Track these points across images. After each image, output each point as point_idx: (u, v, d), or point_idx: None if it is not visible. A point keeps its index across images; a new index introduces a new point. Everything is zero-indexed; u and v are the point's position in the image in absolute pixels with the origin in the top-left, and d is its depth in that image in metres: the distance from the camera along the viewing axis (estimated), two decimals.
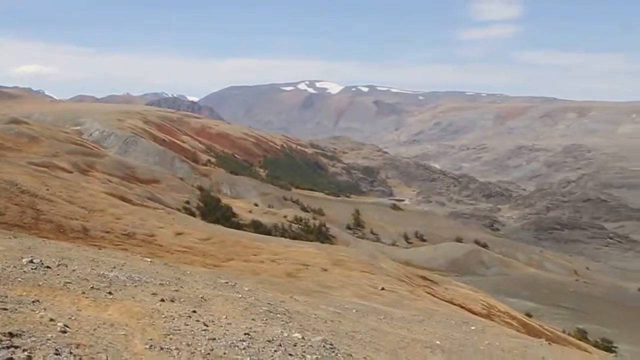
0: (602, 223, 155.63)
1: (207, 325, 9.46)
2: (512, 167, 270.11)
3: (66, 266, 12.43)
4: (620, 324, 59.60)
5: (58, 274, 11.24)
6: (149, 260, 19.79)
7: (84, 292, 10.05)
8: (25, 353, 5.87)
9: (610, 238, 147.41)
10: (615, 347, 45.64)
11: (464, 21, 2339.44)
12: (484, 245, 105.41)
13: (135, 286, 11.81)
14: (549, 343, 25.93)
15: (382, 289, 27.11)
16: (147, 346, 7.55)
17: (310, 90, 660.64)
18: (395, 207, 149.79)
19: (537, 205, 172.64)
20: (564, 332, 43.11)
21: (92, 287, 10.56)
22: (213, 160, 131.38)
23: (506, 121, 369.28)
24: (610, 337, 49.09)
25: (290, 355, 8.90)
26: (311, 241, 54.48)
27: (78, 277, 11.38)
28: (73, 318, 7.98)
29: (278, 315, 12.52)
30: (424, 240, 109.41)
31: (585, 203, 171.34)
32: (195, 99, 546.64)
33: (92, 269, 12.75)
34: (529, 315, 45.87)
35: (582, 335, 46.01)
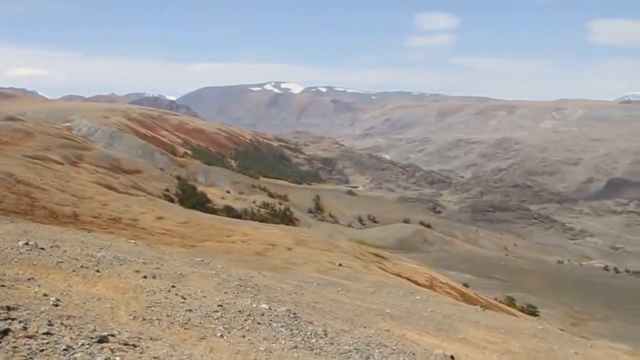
0: (527, 205, 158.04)
1: (184, 298, 9.41)
2: (451, 158, 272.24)
3: (58, 247, 12.30)
4: (542, 291, 60.62)
5: (51, 255, 11.13)
6: (132, 241, 19.63)
7: (74, 271, 9.96)
8: (21, 324, 5.80)
9: (535, 218, 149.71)
10: (538, 312, 46.45)
11: (410, 30, 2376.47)
12: (428, 226, 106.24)
13: (121, 265, 11.71)
14: (483, 309, 26.21)
15: (340, 264, 27.18)
16: (131, 317, 7.51)
17: (276, 90, 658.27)
18: (350, 193, 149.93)
19: (473, 190, 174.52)
20: (495, 299, 43.69)
21: (81, 266, 10.46)
22: (189, 152, 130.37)
23: (446, 118, 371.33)
24: (534, 303, 49.89)
25: (259, 323, 8.89)
26: (277, 224, 54.40)
27: (69, 257, 11.27)
28: (64, 293, 7.91)
29: (248, 289, 12.49)
30: (376, 222, 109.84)
31: (513, 188, 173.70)
32: (174, 98, 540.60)
33: (82, 250, 12.61)
34: (466, 285, 46.34)
35: (511, 302, 46.67)
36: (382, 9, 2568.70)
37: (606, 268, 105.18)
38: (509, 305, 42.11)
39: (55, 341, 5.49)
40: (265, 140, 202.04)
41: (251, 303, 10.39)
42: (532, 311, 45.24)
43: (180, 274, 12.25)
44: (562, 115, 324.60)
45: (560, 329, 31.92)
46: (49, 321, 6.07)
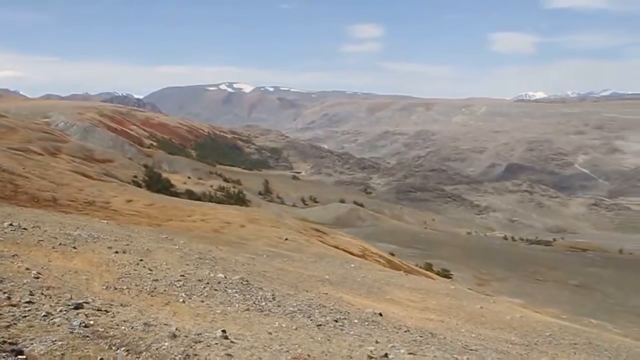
0: (442, 187, 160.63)
1: (151, 270, 9.27)
2: (380, 147, 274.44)
3: (39, 228, 11.96)
4: (454, 258, 61.78)
5: (33, 234, 10.84)
6: (105, 222, 19.21)
7: (53, 247, 9.71)
8: (6, 294, 5.63)
9: (448, 197, 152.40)
10: (451, 275, 47.43)
11: (344, 39, 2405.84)
12: (361, 205, 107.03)
13: (95, 242, 11.45)
14: (406, 274, 26.62)
15: (286, 239, 27.13)
16: (104, 287, 7.36)
17: (229, 89, 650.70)
18: (294, 178, 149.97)
19: (397, 174, 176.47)
20: (416, 265, 44.35)
21: (60, 244, 10.21)
22: (155, 144, 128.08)
23: (375, 113, 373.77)
24: (448, 268, 50.90)
25: (216, 290, 8.83)
26: (232, 205, 54.01)
27: (49, 236, 10.98)
28: (45, 267, 7.71)
29: (206, 261, 12.39)
30: (317, 202, 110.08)
31: (431, 172, 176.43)
32: (140, 97, 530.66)
33: (60, 230, 12.28)
34: (392, 254, 46.85)
35: (429, 267, 47.39)
36: (320, 21, 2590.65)
37: (505, 237, 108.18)
38: (427, 270, 42.76)
39: (36, 309, 5.35)
40: (221, 133, 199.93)
41: (209, 273, 10.31)
42: (446, 274, 46.13)
43: (147, 249, 12.06)
44: (470, 111, 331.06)
45: (469, 289, 32.69)
46: (31, 291, 5.92)
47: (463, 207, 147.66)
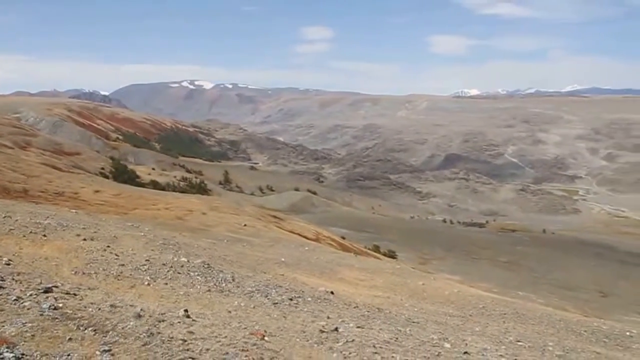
0: (388, 175, 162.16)
1: (117, 256, 9.09)
2: (331, 139, 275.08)
3: (10, 217, 11.58)
4: (399, 240, 62.69)
5: (4, 223, 10.49)
6: (74, 211, 18.72)
7: (24, 236, 9.43)
8: None
9: (394, 185, 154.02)
10: (397, 255, 48.06)
11: (297, 40, 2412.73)
12: (314, 193, 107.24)
13: (64, 230, 11.15)
14: (356, 255, 26.89)
15: (245, 225, 26.99)
16: (73, 272, 7.19)
17: (191, 87, 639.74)
18: (252, 168, 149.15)
19: (347, 164, 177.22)
20: (365, 247, 44.78)
21: (30, 232, 9.91)
22: (120, 137, 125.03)
23: (326, 108, 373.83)
24: (394, 249, 51.59)
25: (179, 273, 8.74)
26: (194, 194, 53.34)
27: (20, 224, 10.64)
28: (16, 254, 7.48)
29: (170, 247, 12.23)
30: (273, 190, 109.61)
31: (378, 162, 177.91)
32: (106, 93, 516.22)
33: (31, 219, 11.90)
34: (343, 238, 47.12)
35: (376, 249, 47.88)
36: (277, 23, 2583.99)
37: (444, 221, 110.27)
38: (375, 252, 43.22)
39: (7, 293, 5.20)
40: (183, 127, 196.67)
41: (173, 257, 10.18)
42: (392, 255, 46.69)
43: (114, 236, 11.82)
44: (413, 106, 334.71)
45: (413, 267, 33.25)
46: (2, 277, 5.74)
47: (407, 193, 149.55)
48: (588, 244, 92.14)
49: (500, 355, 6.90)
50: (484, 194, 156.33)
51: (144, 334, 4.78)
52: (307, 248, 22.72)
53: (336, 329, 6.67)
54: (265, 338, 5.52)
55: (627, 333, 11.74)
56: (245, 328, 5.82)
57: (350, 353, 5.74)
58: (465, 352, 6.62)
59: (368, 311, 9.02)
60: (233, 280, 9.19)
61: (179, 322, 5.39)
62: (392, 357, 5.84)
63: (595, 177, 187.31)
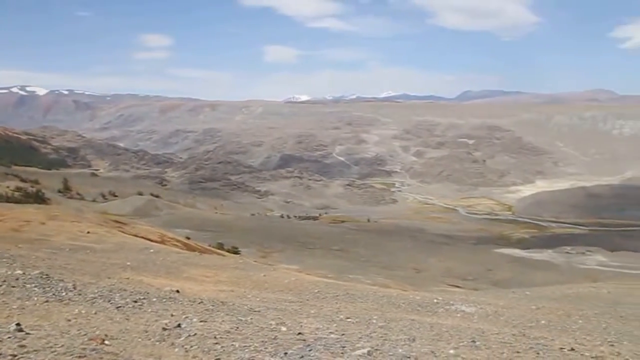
0: (229, 176, 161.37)
1: None
2: (172, 144, 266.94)
3: None
4: (242, 236, 62.65)
5: None
6: None
7: None
8: None
9: (234, 185, 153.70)
10: (240, 251, 48.04)
11: (136, 47, 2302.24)
12: (157, 196, 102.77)
13: None
14: (201, 254, 26.38)
15: (88, 232, 25.07)
16: None
17: (22, 92, 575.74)
18: (93, 175, 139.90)
19: (189, 167, 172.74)
20: (210, 246, 44.08)
21: None
22: None
23: (167, 113, 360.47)
24: (237, 245, 51.45)
25: (13, 287, 7.87)
26: (31, 204, 48.25)
27: None
28: None
29: (3, 260, 10.97)
30: (116, 196, 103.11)
31: (219, 164, 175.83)
32: None
33: None
34: (188, 238, 45.87)
35: (220, 246, 47.37)
36: (114, 30, 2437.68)
37: (282, 216, 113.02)
38: (219, 249, 42.74)
39: None
40: (14, 135, 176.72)
41: (7, 271, 9.14)
42: (235, 251, 46.48)
43: None
44: (249, 111, 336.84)
45: (255, 261, 33.44)
46: None
47: (247, 193, 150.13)
48: (404, 229, 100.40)
49: (331, 332, 7.23)
50: (316, 190, 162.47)
51: None
52: (152, 250, 21.76)
53: (179, 325, 6.51)
54: (106, 342, 5.20)
55: (435, 300, 12.96)
56: (84, 335, 5.42)
57: (191, 346, 5.64)
58: (300, 333, 6.84)
59: (212, 305, 8.91)
60: (74, 288, 8.50)
61: (10, 338, 4.85)
62: (232, 345, 5.84)
63: (408, 171, 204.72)
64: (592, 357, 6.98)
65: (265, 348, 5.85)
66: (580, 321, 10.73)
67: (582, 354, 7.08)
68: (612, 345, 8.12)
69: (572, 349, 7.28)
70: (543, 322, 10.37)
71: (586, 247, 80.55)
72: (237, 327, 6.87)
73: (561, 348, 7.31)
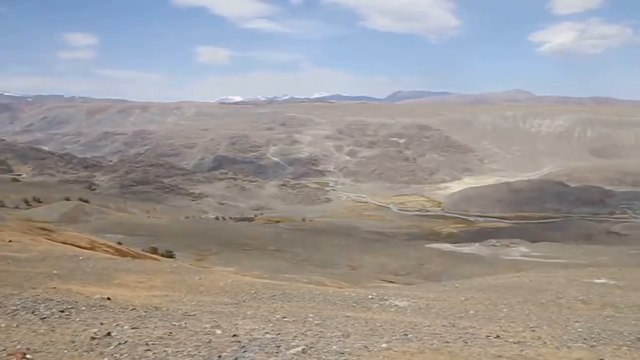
0: (162, 179, 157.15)
1: None
2: (102, 146, 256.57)
3: None
4: (176, 239, 61.05)
5: None
6: None
7: None
8: None
9: (167, 188, 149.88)
10: (174, 254, 46.94)
11: (60, 46, 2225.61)
12: (86, 201, 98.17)
13: None
14: (133, 259, 25.51)
15: (10, 241, 23.62)
16: None
17: None
18: (15, 180, 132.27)
19: (120, 171, 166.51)
20: (143, 250, 42.78)
21: None
22: None
23: (94, 115, 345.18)
24: (171, 249, 50.17)
25: None
26: None
27: None
28: None
29: None
30: (41, 202, 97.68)
31: (150, 167, 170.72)
32: None
33: None
34: (119, 243, 44.20)
35: (154, 250, 46.08)
36: (33, 27, 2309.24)
37: (217, 218, 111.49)
38: (152, 253, 41.57)
39: None
40: None
41: None
42: (170, 255, 45.39)
43: None
44: (181, 112, 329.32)
45: (190, 265, 32.73)
46: None
47: (180, 195, 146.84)
48: (339, 227, 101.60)
49: (266, 332, 7.20)
50: (251, 191, 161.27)
51: None
52: (81, 257, 20.78)
53: (109, 334, 6.27)
54: (27, 356, 4.92)
55: (369, 296, 13.17)
56: (3, 350, 5.11)
57: (121, 355, 5.44)
58: (235, 335, 6.76)
59: (145, 311, 8.64)
60: None
61: None
62: (165, 350, 5.70)
63: (342, 170, 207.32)
64: (515, 343, 7.33)
65: (199, 352, 5.75)
66: (505, 309, 11.24)
67: (506, 340, 7.42)
68: (534, 330, 8.56)
69: (498, 336, 7.63)
70: (471, 312, 10.79)
71: (510, 240, 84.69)
72: (171, 333, 6.70)
73: (487, 336, 7.64)
